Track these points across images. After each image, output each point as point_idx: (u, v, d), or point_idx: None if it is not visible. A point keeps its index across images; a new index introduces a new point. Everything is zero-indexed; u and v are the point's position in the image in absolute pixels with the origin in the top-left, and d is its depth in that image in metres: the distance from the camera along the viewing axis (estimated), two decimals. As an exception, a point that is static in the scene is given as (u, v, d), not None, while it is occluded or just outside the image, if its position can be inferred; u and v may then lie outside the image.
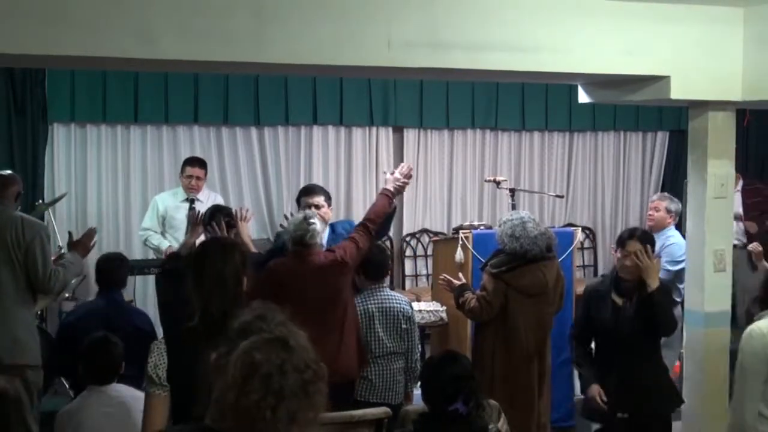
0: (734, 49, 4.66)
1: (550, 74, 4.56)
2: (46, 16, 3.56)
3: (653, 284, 4.22)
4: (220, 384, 1.76)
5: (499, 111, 8.34)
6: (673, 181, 8.73)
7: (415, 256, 8.28)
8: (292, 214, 4.59)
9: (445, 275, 5.02)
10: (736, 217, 6.65)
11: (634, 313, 4.26)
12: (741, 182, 7.37)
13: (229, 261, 2.86)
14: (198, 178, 6.35)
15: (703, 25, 4.58)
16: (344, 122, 7.91)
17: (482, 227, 5.83)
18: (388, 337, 4.65)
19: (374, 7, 4.01)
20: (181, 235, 6.21)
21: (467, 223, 6.07)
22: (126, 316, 4.78)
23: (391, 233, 7.90)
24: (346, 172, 8.01)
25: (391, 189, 4.60)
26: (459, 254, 5.45)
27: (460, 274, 5.13)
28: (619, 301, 4.32)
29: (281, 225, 4.78)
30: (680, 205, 5.69)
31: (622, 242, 4.32)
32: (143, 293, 7.07)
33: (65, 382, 5.35)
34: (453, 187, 8.37)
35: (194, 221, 4.58)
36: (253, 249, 4.54)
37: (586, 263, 8.84)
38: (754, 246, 6.08)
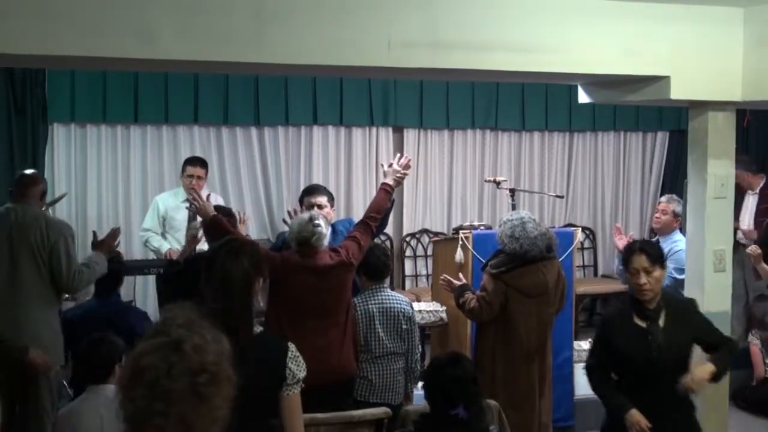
0: (734, 49, 4.66)
1: (550, 74, 4.56)
2: (46, 16, 3.56)
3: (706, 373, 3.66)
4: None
5: (499, 111, 8.34)
6: (673, 181, 8.73)
7: (415, 256, 8.29)
8: (295, 212, 4.60)
9: (445, 275, 5.02)
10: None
11: (665, 338, 3.65)
12: (762, 182, 7.30)
13: (238, 263, 2.85)
14: (199, 177, 6.35)
15: (703, 25, 4.58)
16: (344, 122, 7.91)
17: (482, 227, 5.83)
18: (389, 337, 4.65)
19: (374, 7, 4.02)
20: (181, 236, 6.23)
21: (467, 224, 6.07)
22: (123, 316, 4.78)
23: (391, 233, 7.91)
24: (346, 172, 8.01)
25: (391, 183, 4.61)
26: (459, 254, 5.45)
27: (460, 275, 5.13)
28: (642, 324, 3.70)
29: (284, 220, 4.78)
30: None
31: (625, 261, 3.76)
32: (143, 293, 7.08)
33: (65, 383, 5.35)
34: (453, 187, 8.37)
35: (192, 216, 4.60)
36: None
37: (586, 263, 8.84)
38: (753, 249, 6.06)
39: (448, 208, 8.39)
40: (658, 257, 3.69)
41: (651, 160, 9.12)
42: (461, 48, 4.16)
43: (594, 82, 4.97)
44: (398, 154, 4.91)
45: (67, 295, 6.02)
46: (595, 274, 8.86)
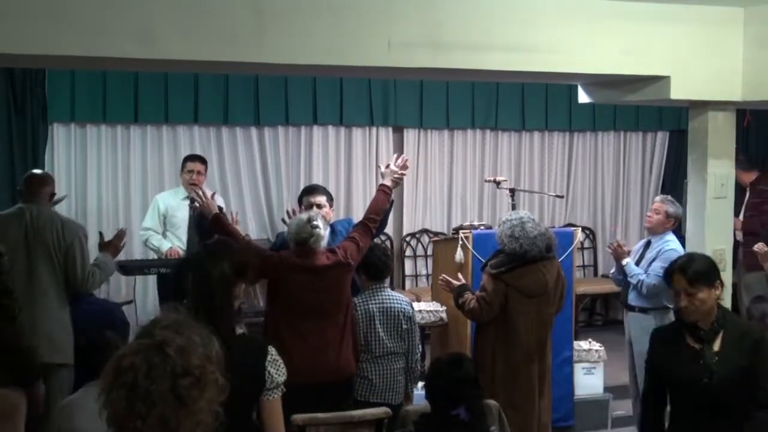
0: (734, 49, 4.66)
1: (550, 74, 4.57)
2: (46, 16, 3.56)
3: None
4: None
5: (499, 111, 8.34)
6: (673, 181, 8.73)
7: (415, 256, 8.28)
8: (294, 212, 4.60)
9: (444, 276, 5.02)
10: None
11: (719, 362, 3.24)
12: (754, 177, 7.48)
13: (216, 267, 2.84)
14: (199, 172, 6.35)
15: (703, 25, 4.58)
16: (344, 122, 7.91)
17: (482, 227, 5.83)
18: (389, 337, 4.65)
19: (374, 7, 4.02)
20: (182, 234, 6.25)
21: (467, 223, 6.07)
22: (116, 313, 4.83)
23: (391, 233, 7.91)
24: (346, 172, 8.01)
25: (389, 184, 4.61)
26: (459, 254, 5.45)
27: (460, 275, 5.12)
28: (696, 345, 3.30)
29: (283, 220, 4.79)
30: (681, 210, 5.56)
31: (667, 278, 3.38)
32: (143, 293, 7.08)
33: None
34: (453, 187, 8.37)
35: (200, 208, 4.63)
36: None
37: (586, 263, 8.84)
38: (761, 246, 6.05)
39: (448, 208, 8.39)
40: (697, 277, 3.25)
41: (651, 160, 9.12)
42: (461, 48, 4.16)
43: (594, 82, 4.97)
44: (396, 155, 4.91)
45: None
46: (595, 274, 8.86)
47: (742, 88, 4.70)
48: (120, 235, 5.08)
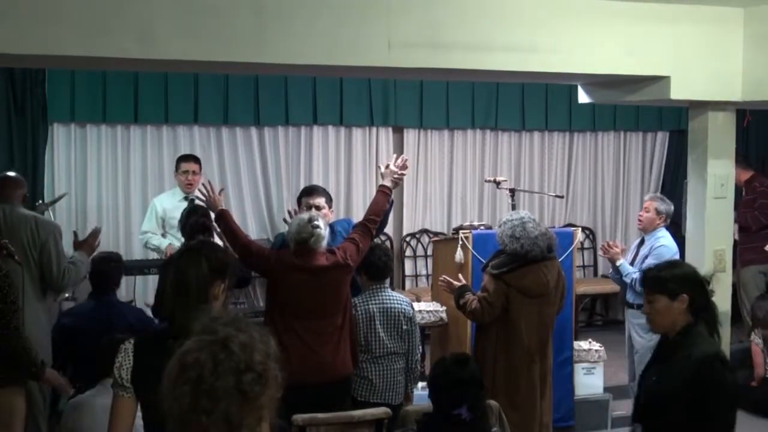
0: (734, 49, 4.67)
1: (550, 74, 4.57)
2: (46, 16, 3.56)
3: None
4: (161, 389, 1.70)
5: (499, 111, 8.34)
6: (673, 181, 8.74)
7: (415, 257, 8.28)
8: (295, 212, 4.59)
9: (444, 276, 5.02)
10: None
11: (662, 375, 3.13)
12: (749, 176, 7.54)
13: (193, 268, 2.82)
14: (194, 172, 6.35)
15: (703, 25, 4.59)
16: (344, 122, 7.91)
17: (482, 227, 5.83)
18: (389, 337, 4.65)
19: (374, 7, 4.02)
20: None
21: (467, 223, 6.06)
22: (121, 315, 4.80)
23: (391, 233, 7.91)
24: (346, 172, 8.01)
25: (388, 185, 4.60)
26: (459, 254, 5.45)
27: (460, 275, 5.12)
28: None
29: (284, 220, 4.79)
30: (671, 207, 5.64)
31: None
32: (143, 293, 7.08)
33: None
34: (453, 187, 8.37)
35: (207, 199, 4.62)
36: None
37: (586, 263, 8.84)
38: None
39: (448, 208, 8.39)
40: (653, 284, 3.15)
41: (651, 160, 9.12)
42: (461, 48, 4.16)
43: (594, 82, 4.97)
44: (395, 155, 4.91)
45: (67, 295, 6.05)
46: (595, 274, 8.86)
47: (742, 88, 4.70)
48: (94, 233, 5.07)
